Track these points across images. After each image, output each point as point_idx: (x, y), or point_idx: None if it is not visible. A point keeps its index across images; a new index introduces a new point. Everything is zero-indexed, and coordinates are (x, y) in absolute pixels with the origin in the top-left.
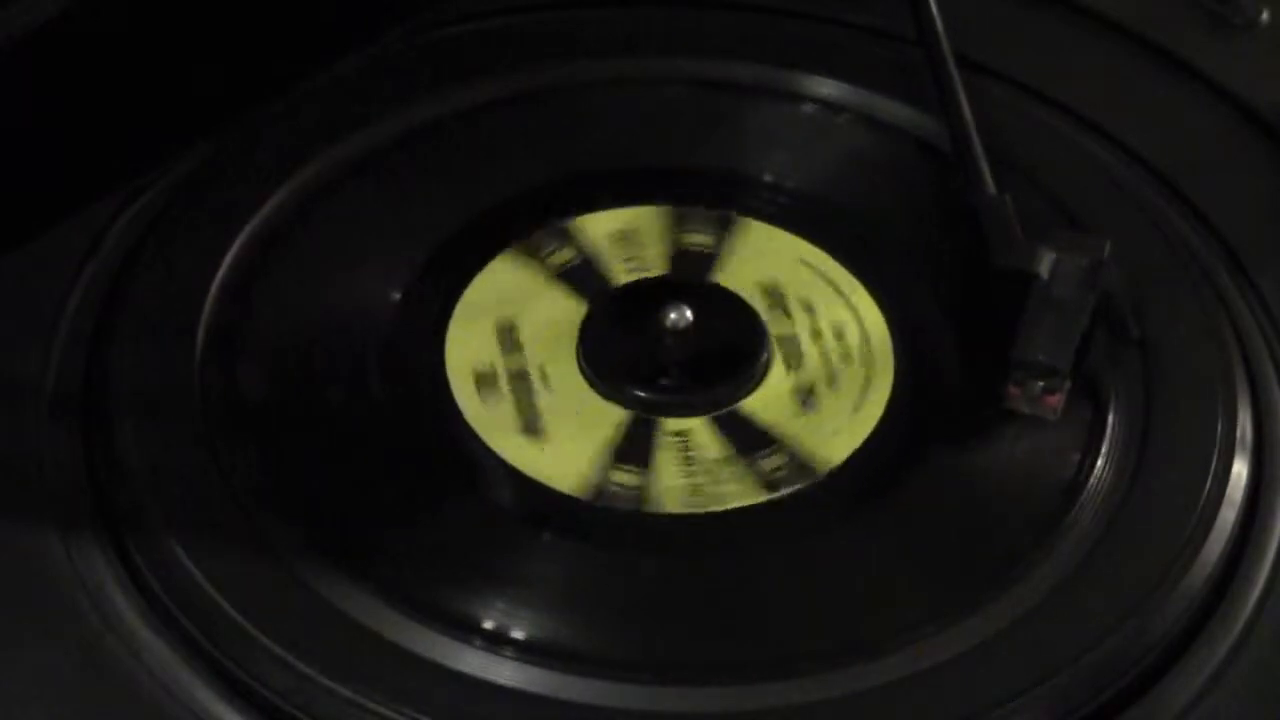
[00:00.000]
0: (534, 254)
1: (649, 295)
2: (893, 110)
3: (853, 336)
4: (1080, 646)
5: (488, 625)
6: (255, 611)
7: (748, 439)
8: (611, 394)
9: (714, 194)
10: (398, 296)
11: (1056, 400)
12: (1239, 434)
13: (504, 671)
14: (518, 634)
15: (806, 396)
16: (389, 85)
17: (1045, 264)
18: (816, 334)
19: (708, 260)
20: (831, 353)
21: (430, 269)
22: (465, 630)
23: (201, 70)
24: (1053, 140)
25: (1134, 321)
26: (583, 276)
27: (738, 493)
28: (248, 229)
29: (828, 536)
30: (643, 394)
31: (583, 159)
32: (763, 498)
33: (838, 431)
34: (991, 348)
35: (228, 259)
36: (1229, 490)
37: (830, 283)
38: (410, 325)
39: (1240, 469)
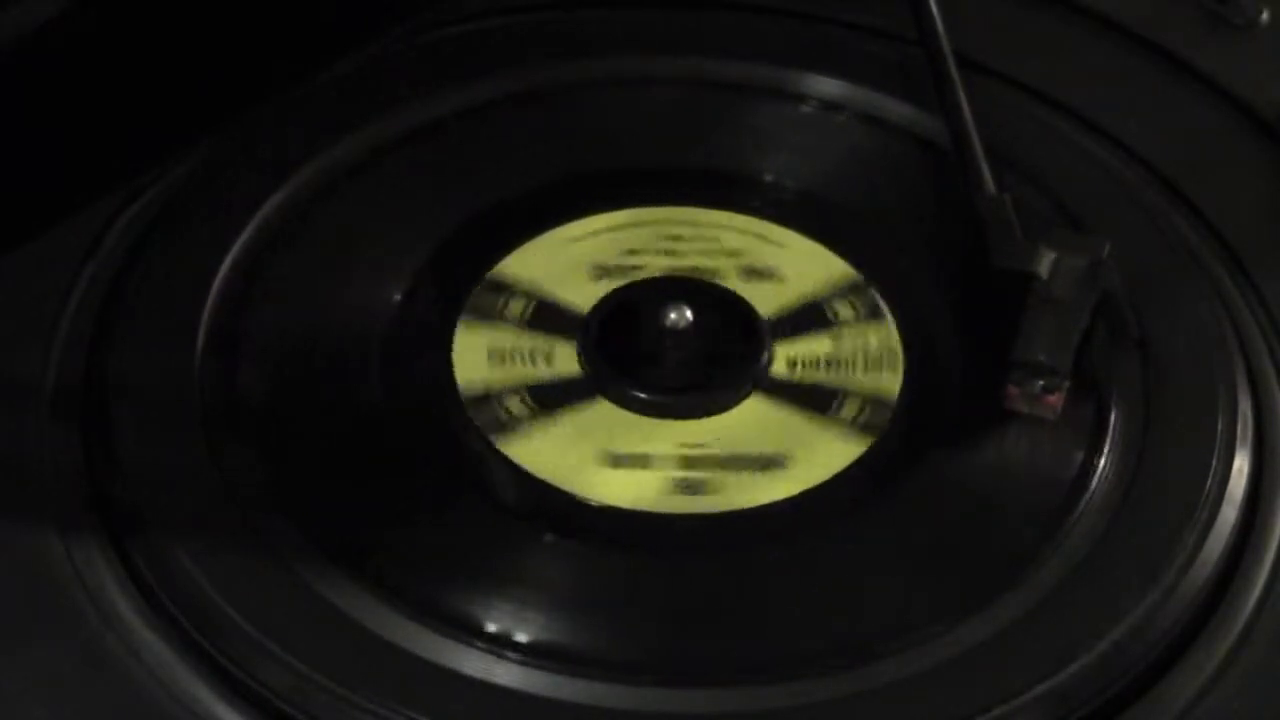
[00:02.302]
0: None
1: (649, 295)
2: (893, 108)
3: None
4: (1080, 646)
5: (488, 626)
6: (255, 611)
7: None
8: (612, 394)
9: (715, 194)
10: (398, 296)
11: (1056, 400)
12: (1239, 433)
13: (504, 672)
14: (518, 635)
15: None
16: (389, 85)
17: (1045, 264)
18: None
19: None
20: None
21: (431, 269)
22: (466, 631)
23: (201, 70)
24: (1053, 140)
25: (1134, 321)
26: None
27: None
28: (247, 229)
29: (828, 536)
30: (643, 394)
31: (583, 159)
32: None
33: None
34: (992, 347)
35: (228, 259)
36: (1229, 489)
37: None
38: (411, 325)
39: (1241, 468)
